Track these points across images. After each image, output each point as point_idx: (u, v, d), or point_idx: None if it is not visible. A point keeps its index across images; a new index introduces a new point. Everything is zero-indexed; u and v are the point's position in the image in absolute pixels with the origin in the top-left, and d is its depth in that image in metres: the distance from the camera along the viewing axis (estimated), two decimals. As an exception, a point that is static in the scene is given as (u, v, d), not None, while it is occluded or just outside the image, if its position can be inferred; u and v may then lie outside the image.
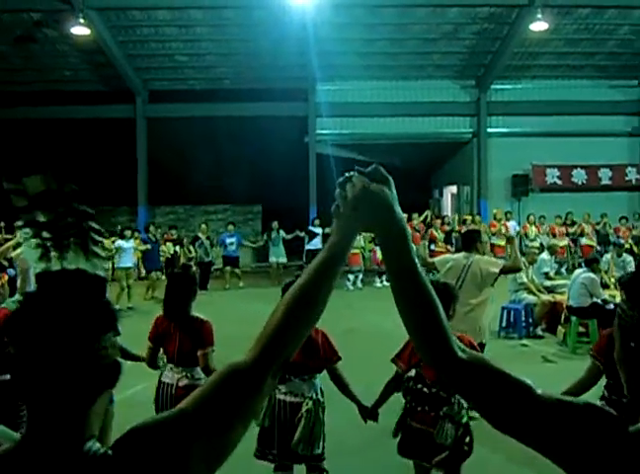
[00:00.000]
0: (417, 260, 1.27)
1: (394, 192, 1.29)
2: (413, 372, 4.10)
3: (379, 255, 16.04)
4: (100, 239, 1.22)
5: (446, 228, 17.88)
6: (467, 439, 3.91)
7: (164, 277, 14.99)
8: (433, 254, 12.55)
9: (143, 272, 15.84)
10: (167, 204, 22.20)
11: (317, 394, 4.17)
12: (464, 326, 5.58)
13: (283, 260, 16.95)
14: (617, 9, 17.12)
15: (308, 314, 1.28)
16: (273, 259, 16.90)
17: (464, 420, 3.94)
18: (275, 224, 17.13)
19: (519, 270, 7.25)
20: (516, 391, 1.21)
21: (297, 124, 20.72)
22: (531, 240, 16.82)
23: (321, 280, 1.28)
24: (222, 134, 20.10)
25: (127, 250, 13.97)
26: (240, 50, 18.71)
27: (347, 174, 1.28)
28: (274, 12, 16.12)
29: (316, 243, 17.12)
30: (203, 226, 16.67)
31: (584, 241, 17.86)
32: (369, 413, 4.11)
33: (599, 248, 17.24)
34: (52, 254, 1.15)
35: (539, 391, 1.20)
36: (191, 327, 4.36)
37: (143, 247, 15.06)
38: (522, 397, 1.19)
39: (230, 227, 17.08)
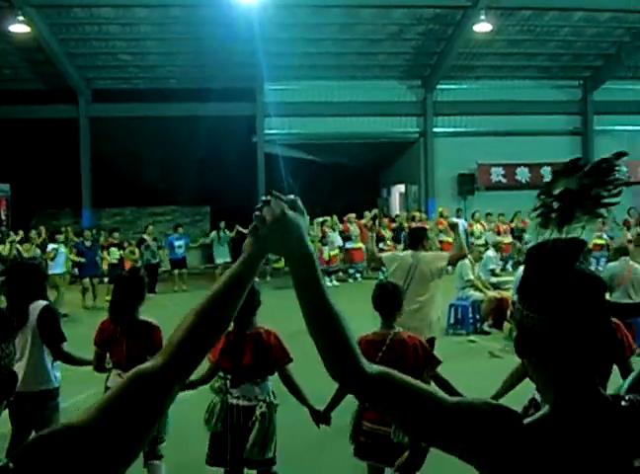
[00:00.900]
0: (323, 284, 1.36)
1: (307, 223, 1.39)
2: None
3: (325, 255, 16.10)
4: None
5: (393, 225, 18.05)
6: None
7: (105, 283, 14.59)
8: (381, 252, 12.62)
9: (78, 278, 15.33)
10: (113, 206, 21.79)
11: (270, 396, 4.16)
12: (415, 323, 5.63)
13: (228, 259, 16.89)
14: (558, 11, 17.57)
15: (215, 324, 1.33)
16: (219, 260, 16.78)
17: None
18: (222, 224, 17.02)
19: (464, 256, 7.36)
20: (420, 399, 1.29)
21: (245, 124, 20.61)
22: (477, 237, 17.09)
23: (230, 293, 1.33)
24: (169, 134, 19.84)
25: (60, 255, 13.40)
26: (186, 49, 18.50)
27: (265, 197, 1.37)
28: (220, 11, 15.98)
29: None
30: (150, 227, 16.41)
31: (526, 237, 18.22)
32: (321, 417, 4.09)
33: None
34: None
35: (440, 395, 1.31)
36: (138, 331, 4.30)
37: (76, 258, 14.36)
38: (427, 404, 1.28)
39: (180, 230, 16.86)
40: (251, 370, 4.07)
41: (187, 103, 19.76)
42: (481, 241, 16.00)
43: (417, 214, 18.62)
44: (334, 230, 16.72)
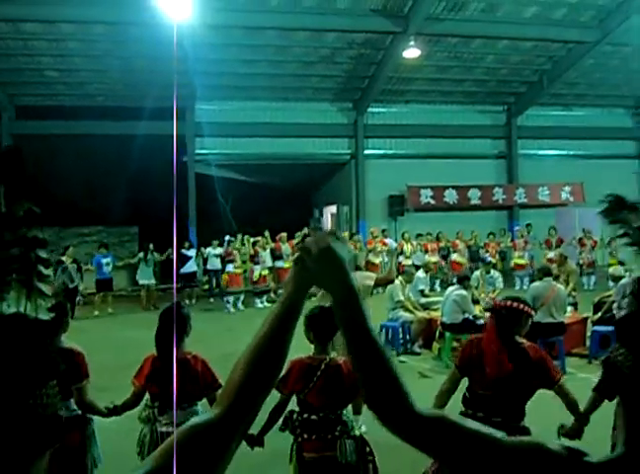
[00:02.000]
0: (369, 318, 1.31)
1: (349, 255, 1.37)
2: (295, 406, 4.05)
3: (255, 274, 16.00)
4: (47, 273, 1.05)
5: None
6: (368, 449, 3.94)
7: None
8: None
9: None
10: (36, 226, 21.05)
11: None
12: None
13: (153, 281, 16.49)
14: (484, 39, 18.12)
15: (270, 367, 1.28)
16: (144, 281, 16.38)
17: (358, 433, 3.95)
18: (151, 246, 16.63)
19: (392, 281, 7.43)
20: (479, 442, 1.19)
21: (176, 144, 20.33)
22: (407, 257, 17.34)
23: (280, 333, 1.29)
24: (97, 153, 19.39)
25: None
26: (114, 67, 18.15)
27: (307, 230, 1.36)
28: (149, 29, 15.73)
29: (190, 266, 16.76)
30: (71, 249, 15.51)
31: (454, 257, 18.57)
32: (255, 440, 4.01)
33: (469, 264, 17.87)
34: None
35: (500, 436, 1.20)
36: (62, 360, 4.12)
37: None
38: (487, 447, 1.18)
39: (102, 249, 16.30)
40: (178, 397, 3.98)
41: (115, 121, 19.39)
42: (409, 262, 16.26)
43: (345, 235, 18.71)
44: (264, 249, 16.62)
